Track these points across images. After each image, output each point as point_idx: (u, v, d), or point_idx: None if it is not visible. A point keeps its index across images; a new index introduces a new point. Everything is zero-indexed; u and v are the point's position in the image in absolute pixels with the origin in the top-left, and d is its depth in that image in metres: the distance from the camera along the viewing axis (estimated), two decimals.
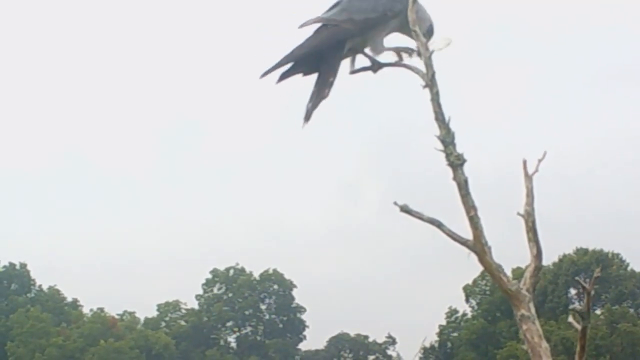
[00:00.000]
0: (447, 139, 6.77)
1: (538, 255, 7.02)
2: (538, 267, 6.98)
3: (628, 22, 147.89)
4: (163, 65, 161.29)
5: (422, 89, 6.96)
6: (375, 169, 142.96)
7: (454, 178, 6.75)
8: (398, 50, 7.35)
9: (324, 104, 7.20)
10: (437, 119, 6.86)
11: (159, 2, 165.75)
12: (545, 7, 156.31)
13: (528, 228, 7.06)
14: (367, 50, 7.31)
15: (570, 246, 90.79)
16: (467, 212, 6.70)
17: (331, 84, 7.09)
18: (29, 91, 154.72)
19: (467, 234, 6.78)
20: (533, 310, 6.71)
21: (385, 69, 7.40)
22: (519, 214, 7.12)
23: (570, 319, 7.26)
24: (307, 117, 7.18)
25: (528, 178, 7.21)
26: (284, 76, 7.20)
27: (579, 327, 7.05)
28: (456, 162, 6.72)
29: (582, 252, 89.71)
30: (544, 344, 6.61)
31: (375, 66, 7.35)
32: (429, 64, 6.96)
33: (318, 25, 7.17)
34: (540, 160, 7.28)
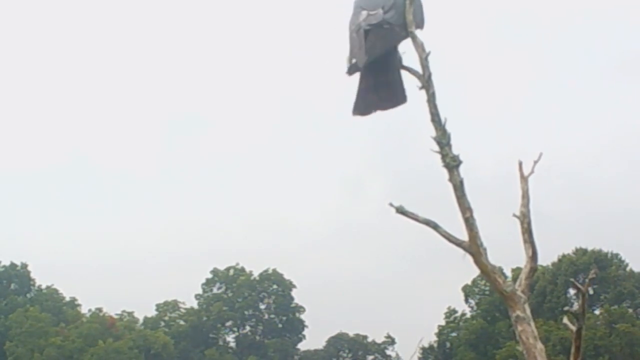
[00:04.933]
0: (443, 141, 6.79)
1: (533, 257, 7.03)
2: (533, 269, 6.99)
3: (632, 15, 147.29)
4: (163, 66, 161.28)
5: (419, 90, 6.99)
6: (377, 169, 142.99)
7: (450, 179, 6.77)
8: None
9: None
10: (433, 120, 6.88)
11: (160, 1, 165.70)
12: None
13: (524, 229, 7.07)
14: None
15: (569, 246, 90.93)
16: (463, 214, 6.71)
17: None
18: (28, 91, 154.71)
19: (465, 234, 6.79)
20: (528, 311, 6.72)
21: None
22: (514, 215, 7.13)
23: (566, 320, 7.27)
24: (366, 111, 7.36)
25: (524, 179, 7.22)
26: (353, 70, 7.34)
27: (574, 328, 7.05)
28: (452, 164, 6.74)
29: (581, 252, 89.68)
30: (539, 345, 6.62)
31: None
32: (425, 65, 6.97)
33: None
34: (535, 162, 7.28)
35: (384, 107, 7.24)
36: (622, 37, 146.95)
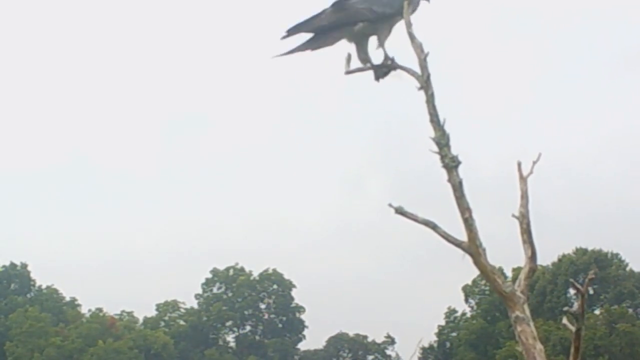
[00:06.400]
0: (442, 141, 6.78)
1: (533, 257, 7.02)
2: (533, 269, 6.99)
3: (635, 11, 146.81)
4: (163, 66, 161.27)
5: (418, 91, 6.98)
6: (377, 169, 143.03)
7: (449, 180, 6.77)
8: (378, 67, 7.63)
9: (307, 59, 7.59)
10: (432, 120, 6.88)
11: (160, 1, 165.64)
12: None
13: (523, 230, 7.06)
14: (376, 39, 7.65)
15: (569, 246, 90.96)
16: (462, 214, 6.71)
17: (320, 46, 7.63)
18: (28, 91, 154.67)
19: (464, 235, 6.79)
20: (528, 312, 6.71)
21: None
22: (513, 215, 7.12)
23: (565, 320, 7.26)
24: (289, 52, 7.63)
25: (522, 180, 7.22)
26: (291, 32, 7.59)
27: (573, 329, 7.04)
28: (451, 164, 6.73)
29: (581, 252, 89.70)
30: (539, 346, 6.62)
31: (378, 72, 7.56)
32: (424, 66, 6.97)
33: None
34: (535, 162, 7.28)
35: (308, 48, 7.59)
36: (625, 34, 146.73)
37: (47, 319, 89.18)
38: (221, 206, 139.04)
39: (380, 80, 7.60)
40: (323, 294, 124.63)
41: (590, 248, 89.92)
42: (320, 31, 7.54)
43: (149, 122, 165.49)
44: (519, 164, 7.25)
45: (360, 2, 7.50)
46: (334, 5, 7.55)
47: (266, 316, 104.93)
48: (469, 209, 6.72)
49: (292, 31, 7.52)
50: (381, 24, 7.48)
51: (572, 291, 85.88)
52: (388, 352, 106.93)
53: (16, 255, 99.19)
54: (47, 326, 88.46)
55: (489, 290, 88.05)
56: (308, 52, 7.61)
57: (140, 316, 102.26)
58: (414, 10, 7.34)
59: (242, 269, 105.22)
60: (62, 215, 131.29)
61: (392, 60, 7.45)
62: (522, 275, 6.92)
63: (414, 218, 6.83)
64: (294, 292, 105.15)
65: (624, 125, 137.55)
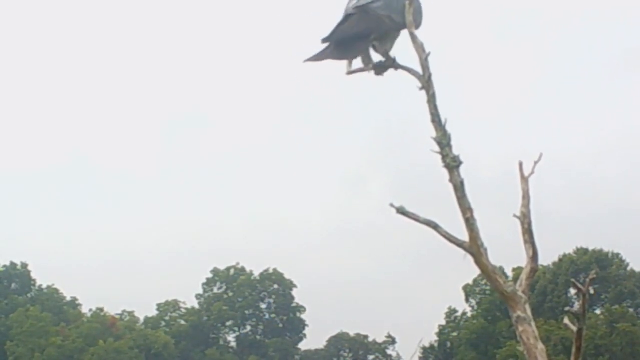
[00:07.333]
0: (444, 141, 6.78)
1: (534, 257, 7.02)
2: (534, 269, 6.99)
3: (635, 11, 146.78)
4: (163, 66, 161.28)
5: (418, 91, 6.99)
6: (377, 169, 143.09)
7: (451, 180, 6.76)
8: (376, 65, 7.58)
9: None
10: (433, 121, 6.87)
11: (160, 1, 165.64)
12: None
13: (524, 230, 7.06)
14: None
15: (570, 246, 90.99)
16: (463, 214, 6.70)
17: (343, 57, 7.45)
18: (28, 91, 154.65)
19: (466, 235, 6.78)
20: (529, 312, 6.71)
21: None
22: (515, 216, 7.12)
23: (566, 320, 7.26)
24: (317, 59, 7.36)
25: (524, 180, 7.21)
26: (326, 41, 7.37)
27: (574, 328, 7.04)
28: (452, 165, 6.73)
29: (582, 252, 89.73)
30: (540, 346, 6.62)
31: (379, 70, 7.53)
32: (425, 66, 6.97)
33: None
34: (536, 162, 7.27)
35: (334, 57, 7.37)
36: (625, 35, 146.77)
37: (47, 319, 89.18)
38: (221, 206, 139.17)
39: (382, 74, 7.59)
40: (324, 294, 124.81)
41: (591, 248, 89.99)
42: (350, 38, 7.33)
43: (149, 122, 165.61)
44: (521, 164, 7.25)
45: (381, 7, 7.30)
46: (358, 9, 7.32)
47: (267, 316, 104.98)
48: (470, 209, 6.71)
49: (327, 40, 7.30)
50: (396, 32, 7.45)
51: (573, 291, 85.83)
52: (389, 352, 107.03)
53: (16, 255, 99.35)
54: (47, 326, 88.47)
55: (489, 290, 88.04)
56: (332, 60, 7.44)
57: (141, 316, 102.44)
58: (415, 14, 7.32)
59: (242, 269, 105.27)
60: (62, 215, 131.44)
61: (394, 60, 7.45)
62: (523, 276, 6.92)
63: (416, 218, 6.83)
64: (294, 292, 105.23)
65: (624, 126, 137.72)
